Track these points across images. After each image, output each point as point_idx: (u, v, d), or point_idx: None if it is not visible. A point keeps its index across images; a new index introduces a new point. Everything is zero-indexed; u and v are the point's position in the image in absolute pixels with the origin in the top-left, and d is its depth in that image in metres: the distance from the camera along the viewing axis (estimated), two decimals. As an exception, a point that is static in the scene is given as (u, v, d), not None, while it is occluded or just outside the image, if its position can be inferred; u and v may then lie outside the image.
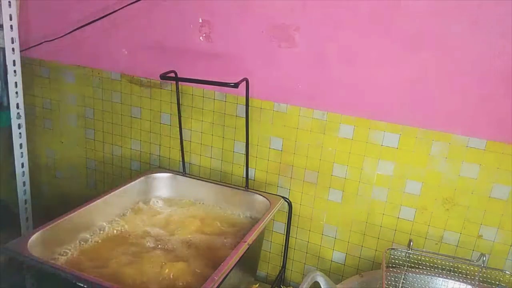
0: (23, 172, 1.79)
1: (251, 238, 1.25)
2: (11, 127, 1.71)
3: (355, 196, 1.53)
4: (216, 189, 1.63)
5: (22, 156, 1.77)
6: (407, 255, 1.31)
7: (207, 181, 1.66)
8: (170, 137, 1.79)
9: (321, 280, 1.34)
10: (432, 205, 1.43)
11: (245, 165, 1.62)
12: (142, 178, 1.63)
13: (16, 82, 1.69)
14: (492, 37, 1.24)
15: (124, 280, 1.17)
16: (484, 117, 1.31)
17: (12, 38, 1.64)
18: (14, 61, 1.66)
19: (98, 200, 1.42)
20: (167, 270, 1.20)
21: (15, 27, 1.65)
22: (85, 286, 1.04)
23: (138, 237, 1.38)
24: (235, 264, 1.14)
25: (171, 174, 1.69)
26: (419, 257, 1.37)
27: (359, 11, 1.36)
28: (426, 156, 1.40)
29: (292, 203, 1.61)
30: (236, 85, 1.37)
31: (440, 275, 1.35)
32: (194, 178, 1.68)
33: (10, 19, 1.63)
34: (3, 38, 1.63)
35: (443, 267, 1.38)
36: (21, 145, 1.75)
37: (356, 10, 1.36)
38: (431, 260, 1.37)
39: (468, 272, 1.36)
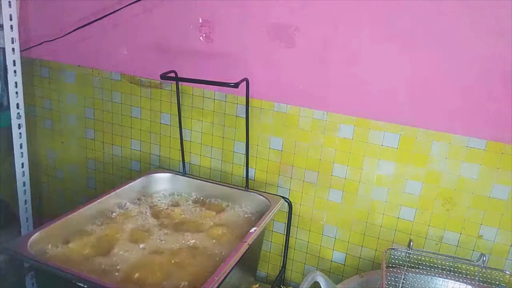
0: (23, 172, 1.79)
1: (251, 238, 1.25)
2: (11, 127, 1.71)
3: (355, 196, 1.53)
4: (216, 189, 1.63)
5: (22, 156, 1.77)
6: (407, 255, 1.31)
7: (207, 181, 1.66)
8: (170, 137, 1.79)
9: (321, 280, 1.34)
10: (432, 205, 1.43)
11: (245, 165, 1.62)
12: (142, 178, 1.63)
13: (16, 82, 1.69)
14: (492, 37, 1.24)
15: (124, 280, 1.17)
16: (484, 117, 1.31)
17: (12, 38, 1.64)
18: (14, 61, 1.66)
19: (98, 200, 1.42)
20: (167, 270, 1.20)
21: (15, 27, 1.65)
22: (85, 286, 1.04)
23: (138, 237, 1.37)
24: (235, 264, 1.14)
25: (171, 174, 1.69)
26: (419, 257, 1.37)
27: (359, 11, 1.36)
28: (426, 156, 1.40)
29: (292, 203, 1.61)
30: (236, 85, 1.37)
31: (440, 275, 1.35)
32: (194, 178, 1.68)
33: (10, 19, 1.63)
34: (3, 38, 1.63)
35: (443, 267, 1.38)
36: (21, 145, 1.75)
37: (356, 10, 1.36)
38: (431, 260, 1.37)
39: (468, 272, 1.36)
